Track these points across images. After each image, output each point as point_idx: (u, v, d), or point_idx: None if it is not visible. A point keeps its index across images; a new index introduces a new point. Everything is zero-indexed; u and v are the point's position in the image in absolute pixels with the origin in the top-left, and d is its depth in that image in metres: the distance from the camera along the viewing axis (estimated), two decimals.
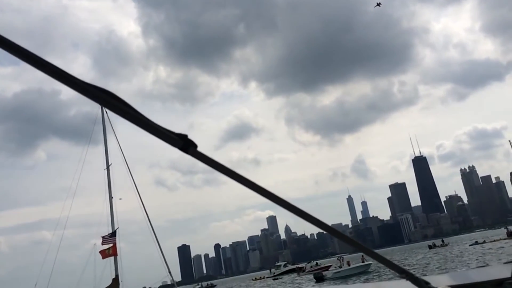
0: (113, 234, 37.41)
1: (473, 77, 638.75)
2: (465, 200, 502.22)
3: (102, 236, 37.03)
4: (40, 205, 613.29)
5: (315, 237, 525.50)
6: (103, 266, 37.27)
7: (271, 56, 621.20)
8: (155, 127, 1.35)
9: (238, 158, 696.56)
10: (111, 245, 36.84)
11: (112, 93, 1.32)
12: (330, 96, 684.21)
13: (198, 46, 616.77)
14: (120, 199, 41.68)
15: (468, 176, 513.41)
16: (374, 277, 41.52)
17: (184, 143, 1.40)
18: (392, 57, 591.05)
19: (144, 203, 42.88)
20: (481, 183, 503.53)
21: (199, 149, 1.39)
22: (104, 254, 36.49)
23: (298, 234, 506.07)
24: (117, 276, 37.06)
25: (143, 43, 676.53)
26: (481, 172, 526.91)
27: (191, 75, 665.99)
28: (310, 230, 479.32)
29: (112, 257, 37.15)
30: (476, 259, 42.78)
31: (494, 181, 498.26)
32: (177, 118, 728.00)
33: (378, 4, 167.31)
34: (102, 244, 37.08)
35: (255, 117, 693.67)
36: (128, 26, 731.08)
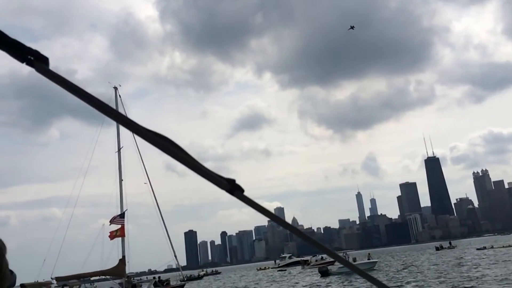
0: (122, 215, 37.92)
1: (492, 79, 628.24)
2: (476, 203, 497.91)
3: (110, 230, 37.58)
4: (52, 182, 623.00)
5: (322, 231, 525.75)
6: (111, 246, 37.84)
7: (287, 48, 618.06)
8: (206, 171, 1.47)
9: (249, 148, 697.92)
10: (120, 226, 37.36)
11: (169, 139, 1.46)
12: (344, 91, 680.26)
13: (214, 34, 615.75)
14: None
15: (481, 180, 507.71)
16: (380, 275, 41.40)
17: (231, 187, 1.51)
18: (410, 55, 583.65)
19: (153, 187, 43.38)
20: (493, 187, 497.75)
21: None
22: (112, 235, 37.02)
23: (305, 227, 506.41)
24: (123, 257, 37.57)
25: (160, 28, 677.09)
26: (494, 176, 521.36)
27: (206, 63, 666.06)
28: (316, 223, 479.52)
29: (120, 238, 37.67)
30: (477, 266, 42.40)
31: (506, 186, 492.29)
32: (191, 104, 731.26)
33: (352, 27, 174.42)
34: (110, 224, 37.61)
35: (268, 108, 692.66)
36: (146, 10, 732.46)
